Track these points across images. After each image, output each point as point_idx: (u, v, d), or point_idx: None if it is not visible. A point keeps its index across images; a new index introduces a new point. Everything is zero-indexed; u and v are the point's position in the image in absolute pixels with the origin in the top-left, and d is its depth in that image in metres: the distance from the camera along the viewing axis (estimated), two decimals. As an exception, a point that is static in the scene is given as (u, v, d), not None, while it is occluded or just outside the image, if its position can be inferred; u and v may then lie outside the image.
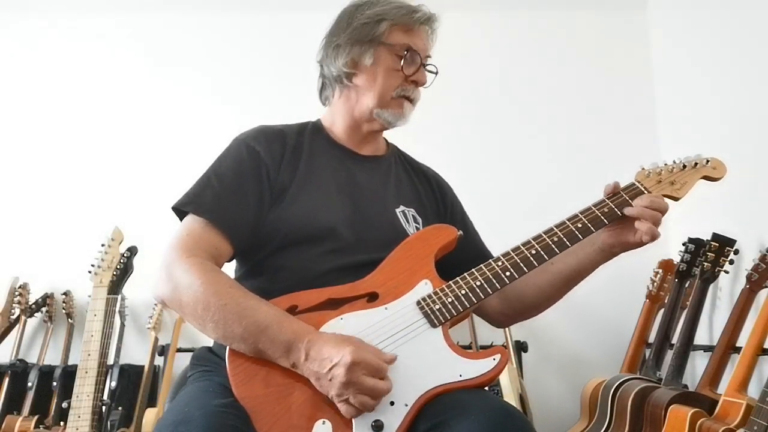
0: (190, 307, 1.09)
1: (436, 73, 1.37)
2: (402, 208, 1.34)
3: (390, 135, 1.46)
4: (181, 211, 1.22)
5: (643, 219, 1.18)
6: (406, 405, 1.02)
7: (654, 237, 1.18)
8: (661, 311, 2.49)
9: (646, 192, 1.24)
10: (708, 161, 1.29)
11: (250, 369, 1.07)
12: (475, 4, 3.15)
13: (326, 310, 1.11)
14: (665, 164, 1.30)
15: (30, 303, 2.81)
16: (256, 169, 1.24)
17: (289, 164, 1.28)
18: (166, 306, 1.24)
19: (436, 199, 1.44)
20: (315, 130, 1.38)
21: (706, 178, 1.29)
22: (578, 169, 2.99)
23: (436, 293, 1.15)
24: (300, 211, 1.23)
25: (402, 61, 1.31)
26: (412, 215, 1.34)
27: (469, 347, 2.59)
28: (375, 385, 1.00)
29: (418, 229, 1.32)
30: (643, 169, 1.30)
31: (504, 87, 3.15)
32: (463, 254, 1.27)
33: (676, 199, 1.26)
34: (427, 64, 1.36)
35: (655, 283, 2.58)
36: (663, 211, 1.21)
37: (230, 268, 1.28)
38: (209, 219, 1.18)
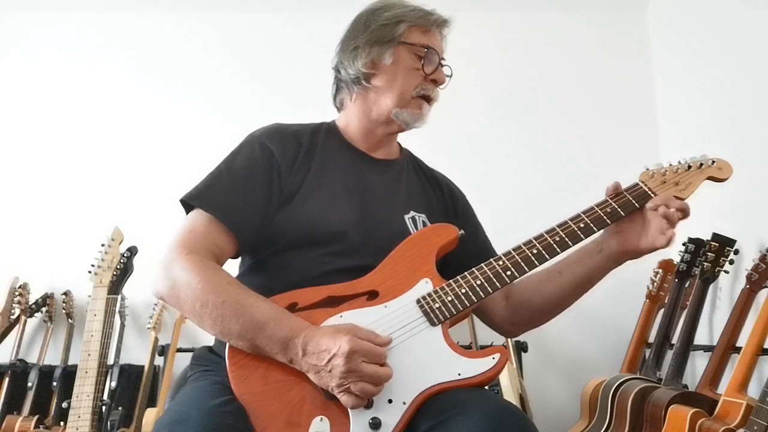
0: (188, 304, 1.09)
1: (451, 75, 1.37)
2: (412, 213, 1.33)
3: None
4: (188, 204, 1.21)
5: (662, 218, 1.18)
6: (404, 403, 1.02)
7: (671, 241, 1.17)
8: (661, 311, 2.49)
9: (650, 193, 1.23)
10: (714, 162, 1.27)
11: (249, 366, 1.07)
12: (475, 4, 3.15)
13: (326, 308, 1.11)
14: (670, 164, 1.28)
15: (30, 303, 2.81)
16: (268, 168, 1.24)
17: (302, 166, 1.27)
18: (165, 303, 1.24)
19: (446, 205, 1.43)
20: (329, 131, 1.38)
21: (711, 178, 1.27)
22: (579, 170, 2.99)
23: (436, 292, 1.14)
24: (308, 214, 1.22)
25: (422, 60, 1.31)
26: (422, 221, 1.33)
27: (469, 347, 2.59)
28: (375, 371, 1.00)
29: None
30: (647, 169, 1.28)
31: (503, 87, 3.15)
32: (471, 256, 1.26)
33: (680, 200, 1.25)
34: (444, 65, 1.36)
35: (655, 283, 2.58)
36: (687, 216, 1.20)
37: (233, 265, 1.28)
38: (215, 215, 1.18)
